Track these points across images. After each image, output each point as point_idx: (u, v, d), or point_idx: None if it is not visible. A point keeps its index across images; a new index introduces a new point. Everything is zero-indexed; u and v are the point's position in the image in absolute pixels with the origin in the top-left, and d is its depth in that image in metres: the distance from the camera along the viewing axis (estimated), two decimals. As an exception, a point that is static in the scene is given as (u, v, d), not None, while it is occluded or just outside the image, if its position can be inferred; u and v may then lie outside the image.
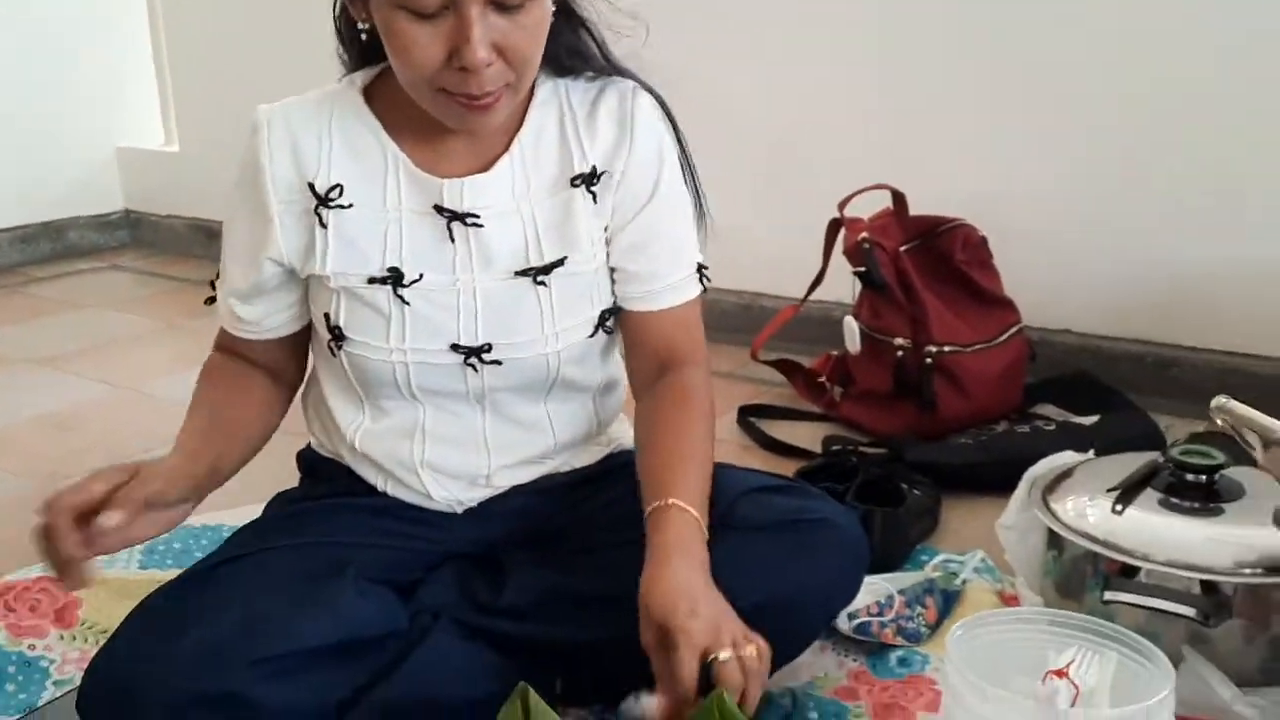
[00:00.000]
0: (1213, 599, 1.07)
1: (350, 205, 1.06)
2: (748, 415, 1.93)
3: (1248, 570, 1.08)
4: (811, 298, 2.03)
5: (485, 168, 1.08)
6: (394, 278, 1.05)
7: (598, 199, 1.09)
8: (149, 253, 3.46)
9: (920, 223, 1.91)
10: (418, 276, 1.06)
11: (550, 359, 1.10)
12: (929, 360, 1.80)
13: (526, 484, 1.16)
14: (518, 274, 1.08)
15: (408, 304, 1.06)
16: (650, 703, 0.93)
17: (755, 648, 0.92)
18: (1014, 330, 1.87)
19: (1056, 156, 2.04)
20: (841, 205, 1.92)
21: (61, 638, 1.27)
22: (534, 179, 1.09)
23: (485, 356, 1.07)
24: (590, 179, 1.09)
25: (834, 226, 1.94)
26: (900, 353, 1.82)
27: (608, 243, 1.11)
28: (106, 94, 3.44)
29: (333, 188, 1.05)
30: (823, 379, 2.00)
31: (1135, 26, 1.92)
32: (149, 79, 3.48)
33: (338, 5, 1.08)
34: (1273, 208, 1.88)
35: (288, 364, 1.17)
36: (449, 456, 1.12)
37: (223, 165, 3.58)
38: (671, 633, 0.91)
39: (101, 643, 0.99)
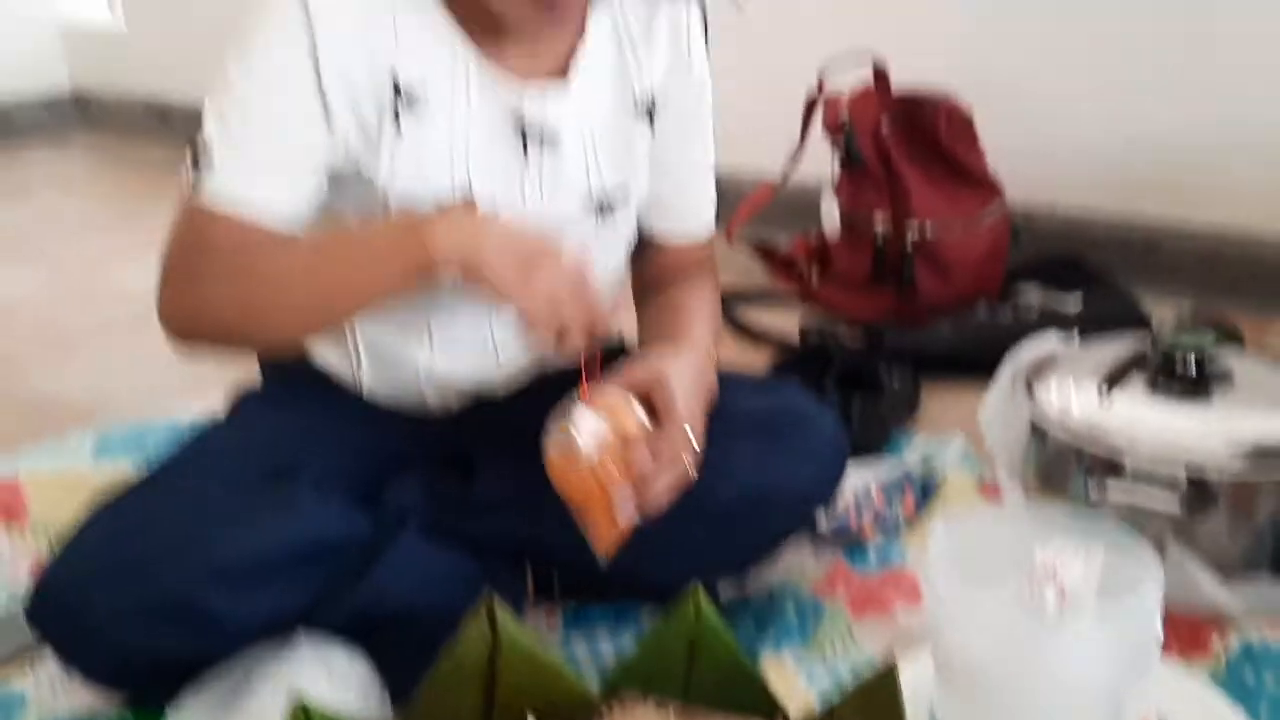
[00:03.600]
0: (1199, 490, 1.04)
1: (432, 112, 0.94)
2: (723, 302, 1.87)
3: (1235, 462, 1.05)
4: (790, 178, 1.95)
5: (556, 75, 0.99)
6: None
7: (654, 128, 1.06)
8: (99, 135, 3.33)
9: (902, 97, 1.83)
10: (490, 207, 0.97)
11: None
12: (909, 247, 1.74)
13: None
14: (585, 207, 1.03)
15: None
16: (589, 423, 0.89)
17: (689, 457, 0.92)
18: (996, 207, 1.82)
19: (1041, 32, 1.95)
20: (820, 79, 1.84)
21: (10, 533, 1.22)
22: (594, 96, 1.02)
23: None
24: (650, 107, 1.05)
25: (812, 101, 1.86)
26: (880, 235, 1.76)
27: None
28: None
29: (417, 86, 0.93)
30: (799, 262, 1.94)
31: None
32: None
33: None
34: (1257, 75, 1.81)
35: None
36: (454, 363, 1.06)
37: (172, 42, 3.43)
38: (662, 381, 0.92)
39: (53, 543, 0.95)
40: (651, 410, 0.92)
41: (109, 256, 2.27)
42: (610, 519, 0.91)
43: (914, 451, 1.37)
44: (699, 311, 1.08)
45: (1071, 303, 1.72)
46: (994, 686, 0.83)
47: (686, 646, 0.86)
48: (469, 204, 0.94)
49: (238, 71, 0.91)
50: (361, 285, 0.91)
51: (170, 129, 3.17)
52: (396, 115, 0.94)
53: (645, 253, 1.16)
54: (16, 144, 3.25)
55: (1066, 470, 1.15)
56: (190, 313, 0.94)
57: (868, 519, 1.17)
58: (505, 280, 0.87)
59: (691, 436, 0.92)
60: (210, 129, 0.91)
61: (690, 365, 0.97)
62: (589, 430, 0.88)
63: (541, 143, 0.99)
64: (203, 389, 1.20)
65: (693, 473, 0.93)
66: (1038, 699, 0.82)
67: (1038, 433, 1.19)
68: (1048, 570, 0.81)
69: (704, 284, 1.13)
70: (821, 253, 1.91)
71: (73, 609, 0.89)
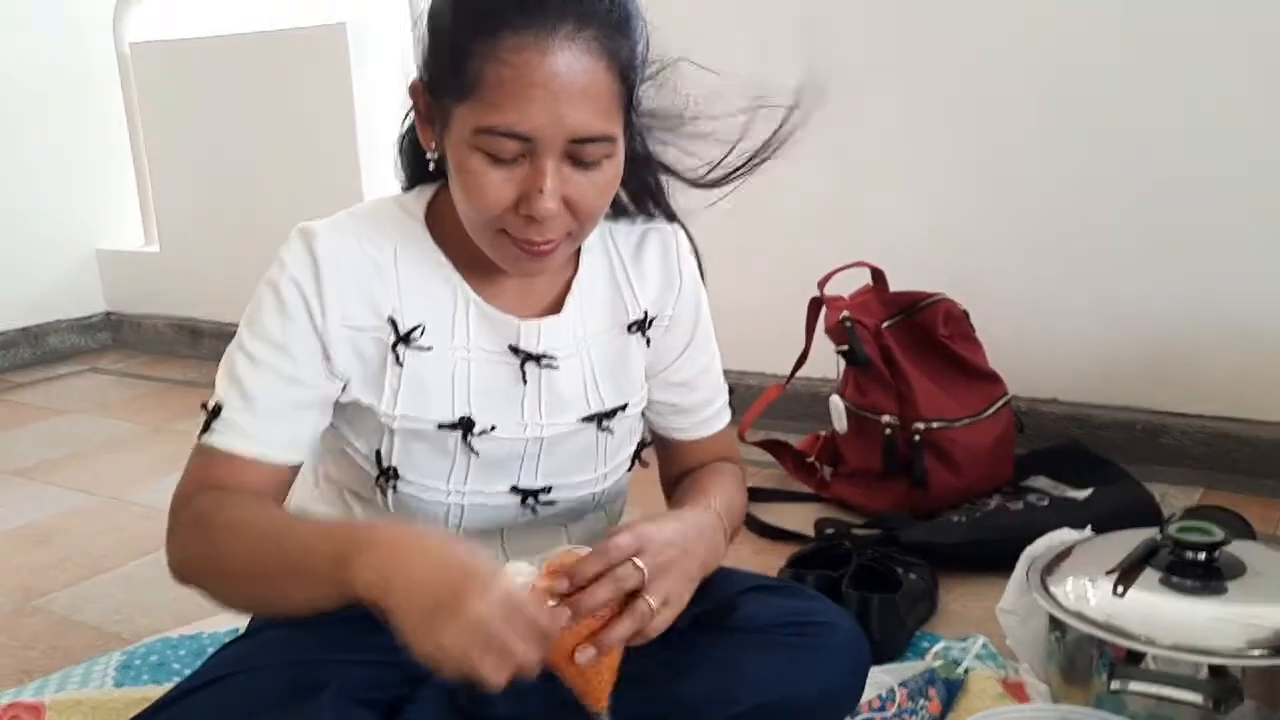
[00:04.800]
0: (1222, 682, 1.04)
1: (430, 347, 1.02)
2: (739, 499, 1.90)
3: (1256, 652, 1.05)
4: (798, 375, 2.01)
5: (550, 309, 1.07)
6: (465, 426, 1.03)
7: (650, 344, 1.12)
8: (131, 354, 3.44)
9: (900, 298, 1.91)
10: (490, 427, 1.04)
11: (597, 494, 1.12)
12: (917, 437, 1.78)
13: None
14: (583, 419, 1.08)
15: (476, 453, 1.04)
16: (524, 571, 0.89)
17: (665, 614, 0.92)
18: (1001, 402, 1.86)
19: (1030, 229, 2.04)
20: (821, 284, 1.92)
21: (35, 768, 1.22)
22: (589, 322, 1.09)
23: (543, 497, 1.08)
24: (644, 325, 1.11)
25: (815, 304, 1.94)
26: (888, 430, 1.80)
27: (647, 378, 1.14)
28: (85, 196, 3.45)
29: (415, 327, 1.01)
30: (812, 459, 1.97)
31: (1109, 110, 1.94)
32: (128, 180, 3.50)
33: (406, 123, 1.06)
34: (1255, 270, 1.88)
35: (279, 497, 1.09)
36: None
37: (204, 265, 3.57)
38: (633, 530, 0.92)
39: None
40: None
41: (134, 475, 2.32)
42: (573, 661, 0.90)
43: (935, 652, 1.36)
44: (713, 484, 1.11)
45: (1081, 493, 1.74)
46: None
47: None
48: (402, 528, 0.90)
49: (248, 333, 0.99)
50: (296, 594, 0.92)
51: (199, 346, 3.29)
52: (397, 352, 1.01)
53: (669, 454, 1.21)
54: (51, 364, 3.36)
55: (1088, 664, 1.15)
56: (183, 559, 0.99)
57: (892, 721, 1.16)
58: (408, 627, 0.83)
59: (640, 561, 0.90)
60: (220, 386, 0.99)
61: (682, 520, 0.99)
62: (521, 571, 0.90)
63: (540, 367, 1.05)
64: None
65: (655, 603, 0.91)
66: None
67: (1057, 627, 1.19)
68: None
69: (725, 467, 1.17)
70: (833, 449, 1.94)
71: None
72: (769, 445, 2.05)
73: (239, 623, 1.15)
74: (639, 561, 0.91)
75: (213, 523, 0.95)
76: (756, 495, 1.93)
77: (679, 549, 0.95)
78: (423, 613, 0.82)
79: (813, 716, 1.04)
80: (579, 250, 1.08)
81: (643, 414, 1.16)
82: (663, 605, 0.92)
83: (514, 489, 1.07)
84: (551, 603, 0.88)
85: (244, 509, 0.95)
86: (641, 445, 1.18)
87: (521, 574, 0.91)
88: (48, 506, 2.17)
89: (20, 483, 2.34)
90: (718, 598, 1.05)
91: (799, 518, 1.83)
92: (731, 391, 1.21)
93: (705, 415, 1.19)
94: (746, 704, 0.99)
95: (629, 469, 1.17)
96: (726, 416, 1.21)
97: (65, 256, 3.45)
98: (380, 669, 1.08)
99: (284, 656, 1.06)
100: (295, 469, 1.03)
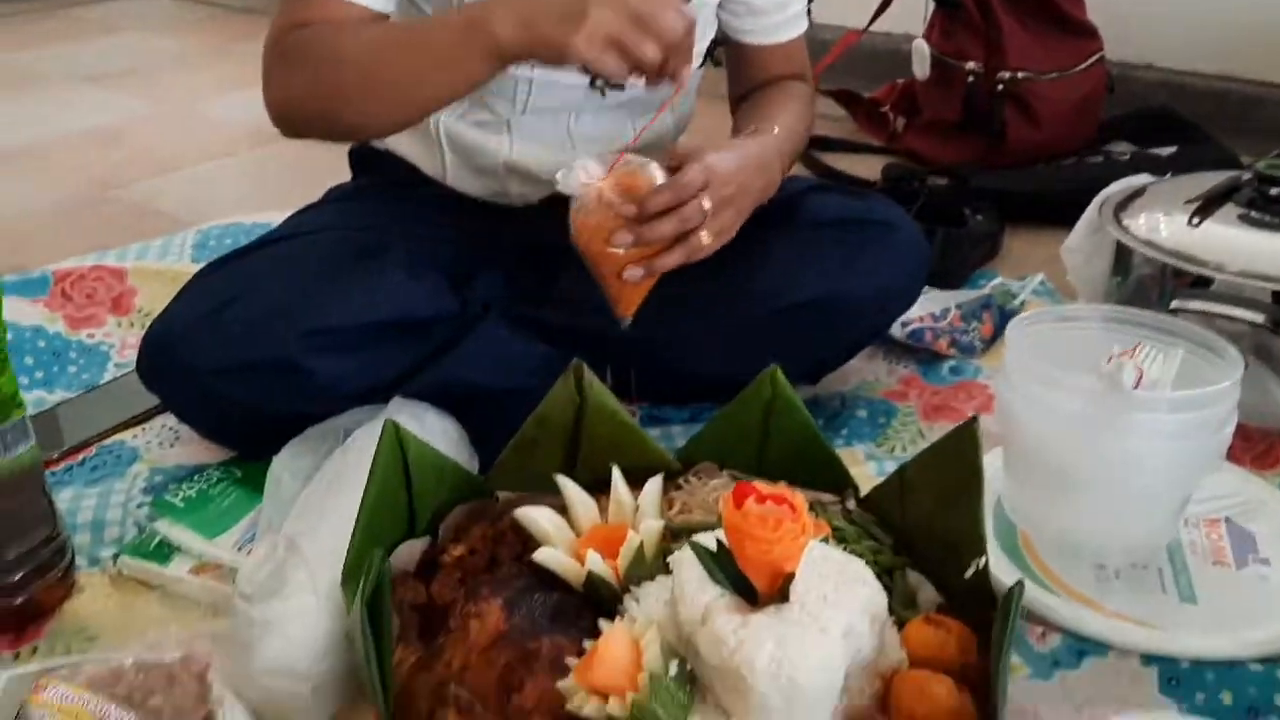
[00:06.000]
0: (1285, 309, 1.04)
1: None
2: (807, 148, 1.86)
3: (1326, 282, 1.04)
4: (875, 28, 1.91)
5: None
6: None
7: None
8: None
9: (1004, -63, 1.77)
10: None
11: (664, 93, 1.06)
12: (1001, 87, 1.70)
13: None
14: None
15: None
16: (593, 172, 0.91)
17: (713, 245, 0.93)
18: (1094, 59, 1.76)
19: None
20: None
21: (119, 324, 1.29)
22: None
23: (613, 82, 1.02)
24: None
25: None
26: (971, 78, 1.73)
27: None
28: None
29: None
30: (886, 108, 1.91)
31: None
32: None
33: None
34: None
35: None
36: (534, 153, 1.09)
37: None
38: (697, 155, 0.92)
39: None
40: None
41: (200, 89, 2.31)
42: (619, 274, 0.92)
43: (993, 285, 1.36)
44: (778, 106, 1.09)
45: (1165, 150, 1.68)
46: (1065, 476, 0.85)
47: (761, 420, 0.89)
48: None
49: None
50: (427, 81, 0.91)
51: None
52: None
53: (739, 63, 1.17)
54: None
55: (1150, 301, 1.14)
56: (286, 95, 0.96)
57: (945, 336, 1.18)
58: (558, 33, 0.85)
59: (707, 201, 0.91)
60: None
61: (744, 152, 0.98)
62: (589, 171, 0.90)
63: None
64: (297, 205, 1.24)
65: (707, 239, 0.92)
66: (1107, 488, 0.84)
67: (1122, 259, 1.18)
68: (1127, 356, 0.82)
69: (793, 87, 1.13)
70: (909, 98, 1.88)
71: (177, 365, 0.94)
72: (840, 95, 1.98)
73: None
74: (705, 203, 0.90)
75: (320, 41, 0.92)
76: (823, 144, 1.89)
77: (738, 185, 0.94)
78: (567, 8, 0.84)
79: (866, 314, 1.05)
80: None
81: (718, 14, 1.12)
82: (714, 237, 0.93)
83: (584, 69, 1.04)
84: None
85: (350, 25, 0.94)
86: (714, 44, 1.15)
87: (590, 173, 0.90)
88: (117, 111, 2.18)
89: (87, 88, 2.34)
90: (778, 196, 1.03)
91: (867, 168, 1.80)
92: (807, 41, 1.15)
93: (778, 20, 1.14)
94: (800, 298, 1.01)
95: (700, 65, 1.13)
96: (802, 25, 1.16)
97: None
98: (446, 245, 1.11)
99: (351, 222, 1.09)
100: (384, 19, 0.98)
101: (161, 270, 1.36)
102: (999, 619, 0.66)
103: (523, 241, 1.12)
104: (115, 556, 0.90)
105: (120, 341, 1.26)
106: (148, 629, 0.83)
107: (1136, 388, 0.79)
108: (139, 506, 0.96)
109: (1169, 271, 1.11)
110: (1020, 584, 0.67)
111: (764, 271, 1.03)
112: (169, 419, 1.09)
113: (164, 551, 0.89)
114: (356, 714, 0.76)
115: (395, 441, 0.78)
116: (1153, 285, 1.16)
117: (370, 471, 0.76)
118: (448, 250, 1.11)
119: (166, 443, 1.08)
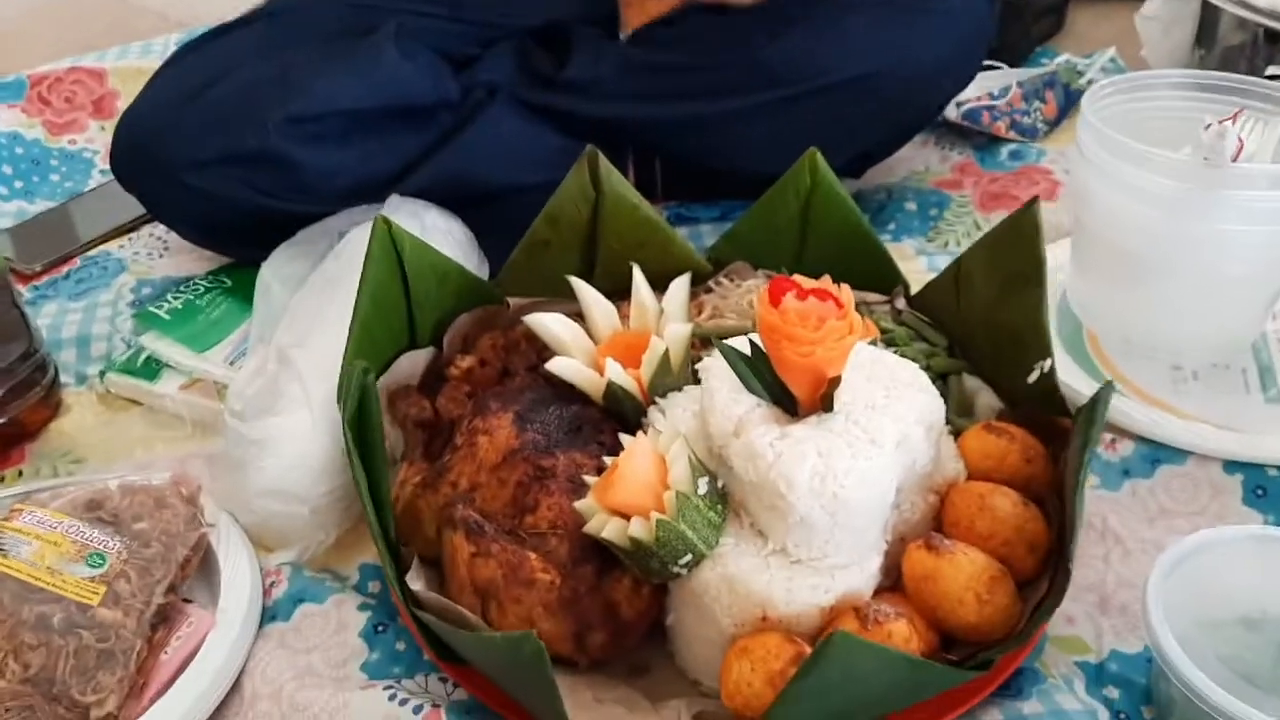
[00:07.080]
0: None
1: None
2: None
3: None
4: None
5: None
6: None
7: None
8: None
9: None
10: None
11: None
12: None
13: None
14: None
15: None
16: None
17: None
18: None
19: None
20: None
21: (103, 129, 1.20)
22: None
23: None
24: None
25: None
26: None
27: None
28: None
29: None
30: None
31: None
32: None
33: None
34: None
35: None
36: None
37: None
38: None
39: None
40: None
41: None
42: None
43: (1058, 63, 1.23)
44: None
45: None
46: (1143, 264, 0.75)
47: (799, 212, 0.80)
48: None
49: None
50: None
51: None
52: None
53: None
54: None
55: (1239, 73, 1.02)
56: None
57: (1003, 118, 1.06)
58: None
59: None
60: None
61: None
62: None
63: None
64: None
65: None
66: (1192, 276, 0.74)
67: (1208, 26, 1.05)
68: (1224, 125, 0.71)
69: None
70: None
71: (153, 160, 0.86)
72: None
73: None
74: None
75: None
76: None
77: None
78: None
79: (921, 88, 0.94)
80: None
81: None
82: None
83: None
84: None
85: None
86: None
87: None
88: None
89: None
90: None
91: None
92: None
93: None
94: (841, 75, 0.89)
95: None
96: None
97: None
98: (445, 23, 1.00)
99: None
100: None
101: (145, 69, 1.24)
102: (1080, 426, 0.58)
103: (532, 16, 1.00)
104: (102, 374, 0.84)
105: (104, 148, 1.17)
106: (136, 450, 0.78)
107: (1236, 158, 0.69)
108: (125, 320, 0.90)
109: (1263, 37, 0.99)
110: (1109, 384, 0.58)
111: (801, 45, 0.91)
112: (157, 228, 1.02)
113: (152, 368, 0.83)
114: (361, 537, 0.70)
115: (388, 240, 0.70)
116: (1243, 56, 1.04)
117: (361, 276, 0.68)
118: (449, 27, 0.99)
119: (155, 253, 1.01)
